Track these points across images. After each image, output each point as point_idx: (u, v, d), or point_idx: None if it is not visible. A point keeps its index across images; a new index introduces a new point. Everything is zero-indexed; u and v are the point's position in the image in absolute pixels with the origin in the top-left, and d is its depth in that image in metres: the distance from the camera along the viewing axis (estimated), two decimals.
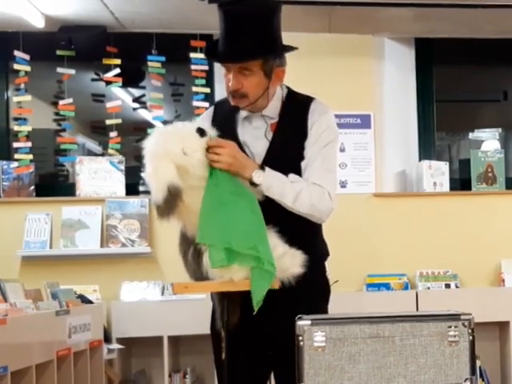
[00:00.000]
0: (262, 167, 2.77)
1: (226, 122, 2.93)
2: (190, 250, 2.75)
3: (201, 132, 2.66)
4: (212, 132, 2.73)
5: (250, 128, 2.93)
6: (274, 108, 2.92)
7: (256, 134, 2.91)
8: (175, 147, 2.60)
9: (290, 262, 2.72)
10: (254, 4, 2.81)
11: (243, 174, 2.74)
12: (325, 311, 2.99)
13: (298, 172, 2.88)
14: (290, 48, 2.90)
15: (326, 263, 3.06)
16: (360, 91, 5.61)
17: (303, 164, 2.88)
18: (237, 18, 2.78)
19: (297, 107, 2.94)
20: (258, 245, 2.61)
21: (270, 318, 2.84)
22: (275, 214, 2.79)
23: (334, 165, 2.95)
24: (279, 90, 2.96)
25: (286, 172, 2.84)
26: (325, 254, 3.06)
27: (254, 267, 2.61)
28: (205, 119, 3.03)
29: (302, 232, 2.88)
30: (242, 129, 2.94)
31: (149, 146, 2.65)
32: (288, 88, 2.99)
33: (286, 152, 2.88)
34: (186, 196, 2.62)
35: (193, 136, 2.65)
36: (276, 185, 2.77)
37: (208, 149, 2.66)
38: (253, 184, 2.76)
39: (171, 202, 2.56)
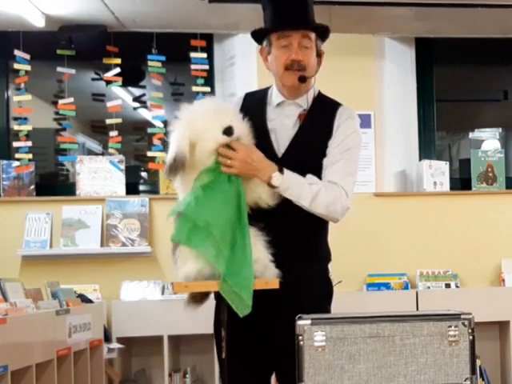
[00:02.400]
0: (280, 169, 2.78)
1: (254, 109, 2.96)
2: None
3: (227, 131, 2.71)
4: (244, 129, 2.77)
5: (282, 116, 2.96)
6: (307, 99, 2.96)
7: (286, 123, 2.95)
8: (199, 126, 2.71)
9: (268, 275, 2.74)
10: None
11: (260, 176, 2.77)
12: (327, 312, 2.99)
13: (317, 166, 2.89)
14: (328, 29, 2.99)
15: (329, 265, 3.07)
16: (360, 91, 5.61)
17: (325, 162, 2.90)
18: None
19: (326, 106, 3.00)
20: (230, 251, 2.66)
21: (273, 318, 2.85)
22: (282, 215, 2.82)
23: (355, 169, 2.98)
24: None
25: (305, 163, 2.86)
26: (328, 256, 3.06)
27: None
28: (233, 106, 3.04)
29: (308, 234, 2.91)
30: (272, 115, 2.96)
31: (186, 109, 2.78)
32: (319, 90, 3.04)
33: (310, 145, 2.90)
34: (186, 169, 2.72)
35: (217, 127, 2.72)
36: (294, 187, 2.79)
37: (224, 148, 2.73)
38: (271, 186, 2.77)
39: (174, 169, 2.68)
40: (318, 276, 2.97)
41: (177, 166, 2.67)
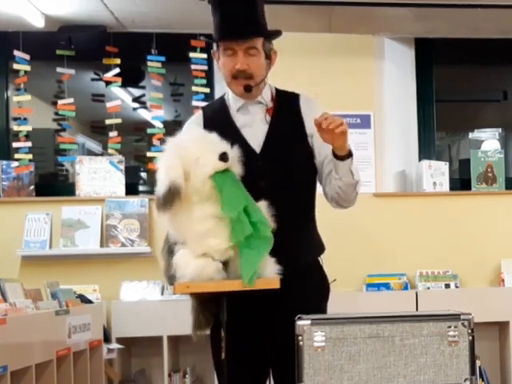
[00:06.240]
0: None
1: (218, 115, 2.98)
2: (165, 248, 2.85)
3: (223, 158, 2.69)
4: (234, 156, 2.74)
5: (249, 115, 2.97)
6: (266, 95, 2.98)
7: (254, 119, 2.96)
8: (192, 153, 2.68)
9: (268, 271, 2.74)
10: None
11: (345, 141, 2.82)
12: (324, 309, 2.99)
13: (295, 157, 2.92)
14: (279, 32, 2.97)
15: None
16: (360, 91, 5.61)
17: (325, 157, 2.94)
18: (235, 2, 2.86)
19: (288, 98, 3.02)
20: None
21: (271, 318, 2.84)
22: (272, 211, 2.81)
23: None
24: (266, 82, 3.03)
25: (284, 155, 2.88)
26: (322, 248, 3.06)
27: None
28: (194, 123, 3.03)
29: (298, 228, 2.91)
30: (238, 116, 2.97)
31: (173, 140, 2.75)
32: (274, 86, 3.06)
33: (285, 136, 2.92)
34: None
35: (213, 153, 2.69)
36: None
37: None
38: (345, 157, 2.84)
39: (169, 199, 2.62)
40: (314, 272, 2.97)
41: (173, 196, 2.61)
